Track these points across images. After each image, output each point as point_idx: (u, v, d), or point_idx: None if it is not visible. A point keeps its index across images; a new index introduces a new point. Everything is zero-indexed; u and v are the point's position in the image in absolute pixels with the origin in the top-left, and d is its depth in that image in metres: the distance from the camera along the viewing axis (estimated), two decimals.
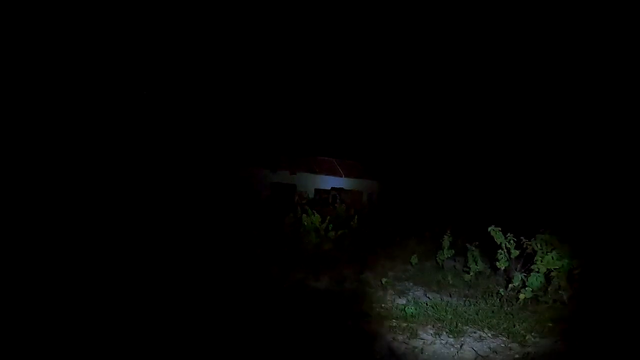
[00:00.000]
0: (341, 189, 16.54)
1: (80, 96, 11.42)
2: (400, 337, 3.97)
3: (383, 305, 4.81)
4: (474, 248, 5.60)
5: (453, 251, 6.33)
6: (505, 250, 4.75)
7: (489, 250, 5.57)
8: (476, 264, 5.37)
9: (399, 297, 5.17)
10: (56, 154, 9.82)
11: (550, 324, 4.17)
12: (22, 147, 9.39)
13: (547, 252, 4.56)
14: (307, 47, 17.99)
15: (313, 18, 17.51)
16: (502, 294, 4.62)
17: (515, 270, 4.65)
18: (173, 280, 5.06)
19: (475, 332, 4.09)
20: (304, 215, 7.24)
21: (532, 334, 4.00)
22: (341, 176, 16.70)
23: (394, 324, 4.25)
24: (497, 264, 4.86)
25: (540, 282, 4.40)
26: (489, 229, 4.79)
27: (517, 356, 3.63)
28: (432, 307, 4.56)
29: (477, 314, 4.39)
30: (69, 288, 4.39)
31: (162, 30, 14.22)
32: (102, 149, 11.24)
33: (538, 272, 4.46)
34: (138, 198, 10.30)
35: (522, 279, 4.45)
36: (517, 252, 4.65)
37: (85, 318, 3.68)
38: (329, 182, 16.49)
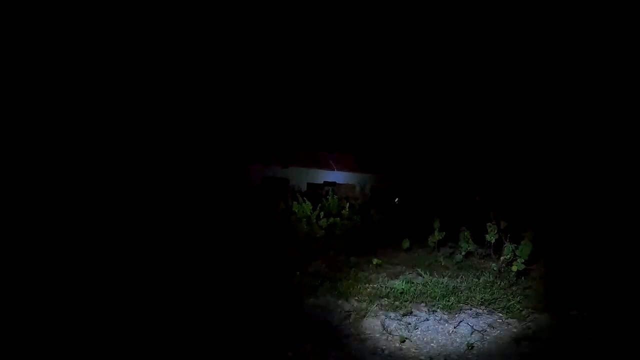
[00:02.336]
0: (334, 182, 16.51)
1: (78, 94, 11.25)
2: (392, 315, 3.95)
3: (374, 285, 4.78)
4: (465, 229, 5.60)
5: (444, 233, 6.31)
6: (494, 221, 4.73)
7: (480, 233, 5.57)
8: (467, 244, 5.37)
9: (391, 279, 5.15)
10: (49, 148, 9.66)
11: (546, 298, 4.16)
12: (21, 147, 9.24)
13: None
14: (296, 42, 17.92)
15: (302, 13, 17.44)
16: (495, 268, 4.61)
17: (505, 240, 4.64)
18: (168, 265, 5.00)
19: (470, 309, 4.06)
20: (295, 203, 7.20)
21: (529, 309, 3.95)
22: (333, 170, 16.67)
23: (386, 302, 4.23)
24: (487, 236, 4.84)
25: (530, 249, 4.38)
26: (477, 197, 4.77)
27: (515, 330, 3.59)
28: (424, 285, 4.54)
29: (470, 290, 4.38)
30: (67, 287, 4.28)
31: (154, 28, 14.05)
32: (100, 148, 11.08)
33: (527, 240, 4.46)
34: (139, 191, 10.17)
35: (512, 249, 4.44)
36: (506, 223, 4.64)
37: (84, 317, 3.58)
38: (321, 176, 16.46)
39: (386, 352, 3.26)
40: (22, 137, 9.37)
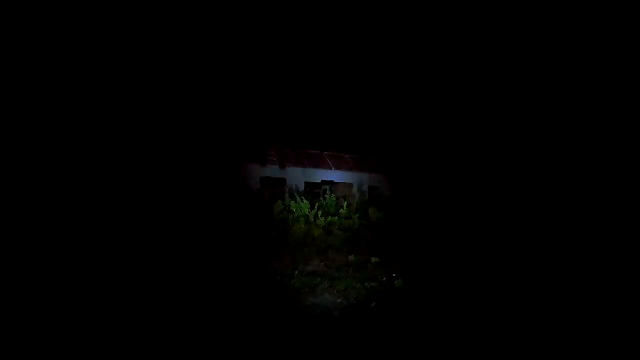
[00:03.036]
0: (331, 181, 16.51)
1: (76, 94, 11.19)
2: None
3: (372, 284, 4.80)
4: None
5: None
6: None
7: None
8: None
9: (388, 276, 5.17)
10: (49, 149, 9.61)
11: None
12: (20, 148, 9.19)
13: None
14: (293, 41, 17.90)
15: (298, 13, 17.41)
16: None
17: None
18: (167, 268, 5.00)
19: None
20: (292, 202, 7.18)
21: None
22: (331, 169, 16.63)
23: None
24: None
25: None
26: None
27: None
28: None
29: None
30: (69, 288, 4.27)
31: (150, 28, 13.98)
32: (97, 147, 11.01)
33: None
34: (137, 193, 10.12)
35: None
36: None
37: (85, 318, 3.58)
38: (318, 175, 16.43)
39: None
40: (22, 137, 9.33)
